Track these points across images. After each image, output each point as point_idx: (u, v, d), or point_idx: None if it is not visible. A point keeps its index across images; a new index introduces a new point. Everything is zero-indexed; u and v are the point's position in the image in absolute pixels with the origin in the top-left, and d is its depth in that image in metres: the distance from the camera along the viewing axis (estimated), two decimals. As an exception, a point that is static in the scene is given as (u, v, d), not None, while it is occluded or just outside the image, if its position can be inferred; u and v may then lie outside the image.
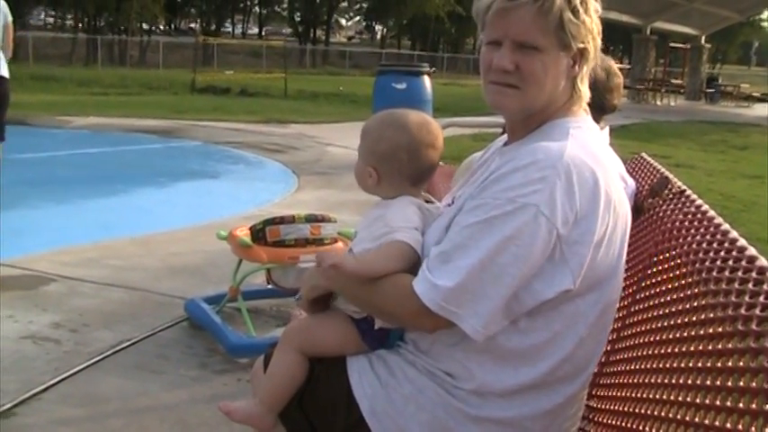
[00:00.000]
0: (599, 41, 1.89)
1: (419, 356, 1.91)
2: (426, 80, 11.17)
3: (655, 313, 2.13)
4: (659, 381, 1.83)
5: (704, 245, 2.02)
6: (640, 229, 2.67)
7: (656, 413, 1.76)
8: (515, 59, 1.82)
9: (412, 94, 10.55)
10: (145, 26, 51.83)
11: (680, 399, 1.67)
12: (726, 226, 2.05)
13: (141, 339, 4.29)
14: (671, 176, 2.85)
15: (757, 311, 1.55)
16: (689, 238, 2.15)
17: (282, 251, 4.27)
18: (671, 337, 1.91)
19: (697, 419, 1.56)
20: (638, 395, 1.92)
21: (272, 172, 10.88)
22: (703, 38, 37.16)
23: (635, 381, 2.02)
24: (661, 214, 2.55)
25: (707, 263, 1.92)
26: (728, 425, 1.45)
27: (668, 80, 35.90)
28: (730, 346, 1.57)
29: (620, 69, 3.27)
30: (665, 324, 1.99)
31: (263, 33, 68.52)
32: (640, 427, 1.80)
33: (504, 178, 1.76)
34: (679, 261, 2.14)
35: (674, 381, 1.74)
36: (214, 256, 5.67)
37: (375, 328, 1.97)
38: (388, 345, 1.98)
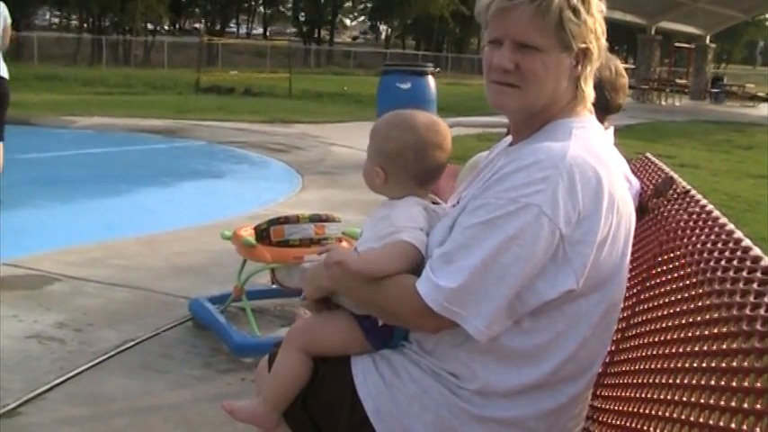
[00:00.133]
0: (603, 42, 1.89)
1: (423, 356, 1.91)
2: (431, 80, 11.16)
3: (659, 313, 2.13)
4: (663, 381, 1.83)
5: (709, 245, 2.02)
6: (645, 229, 2.67)
7: (660, 413, 1.75)
8: (515, 59, 1.82)
9: (416, 94, 10.55)
10: (149, 26, 51.91)
11: (684, 399, 1.66)
12: (730, 226, 2.05)
13: (145, 339, 4.29)
14: (675, 176, 2.84)
15: (762, 311, 1.55)
16: (693, 238, 2.15)
17: (287, 251, 4.26)
18: (675, 337, 1.90)
19: (701, 419, 1.56)
20: (643, 395, 1.92)
21: (276, 172, 10.89)
22: (708, 37, 37.10)
23: (639, 381, 2.02)
24: (666, 214, 2.55)
25: (711, 263, 1.91)
26: (733, 425, 1.45)
27: (673, 80, 35.85)
28: (735, 346, 1.57)
29: (625, 69, 3.26)
30: (670, 324, 1.99)
31: (268, 33, 68.55)
32: (644, 428, 1.80)
33: (507, 178, 1.76)
34: (683, 261, 2.14)
35: (678, 381, 1.74)
36: (218, 255, 5.67)
37: (379, 328, 1.97)
38: (392, 345, 1.99)
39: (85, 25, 49.57)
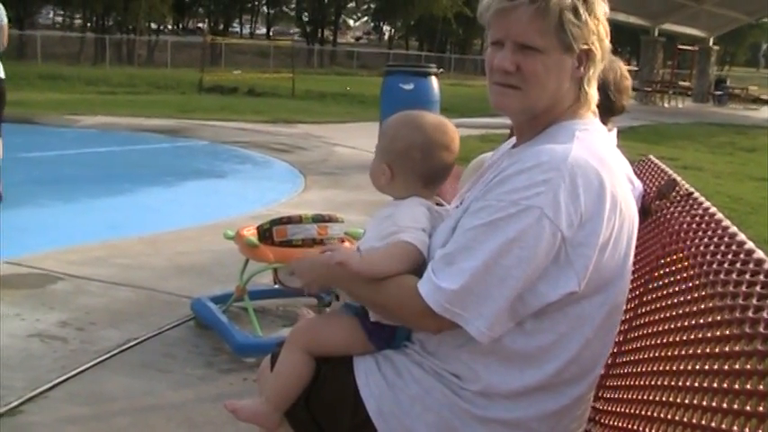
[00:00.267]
0: (607, 43, 1.88)
1: (426, 357, 1.91)
2: (434, 81, 11.14)
3: (662, 315, 2.13)
4: (665, 383, 1.83)
5: (711, 247, 2.02)
6: (647, 232, 2.67)
7: (662, 415, 1.75)
8: (516, 60, 1.82)
9: (419, 95, 10.53)
10: (153, 26, 51.98)
11: (687, 401, 1.66)
12: (733, 228, 2.05)
13: (148, 338, 4.30)
14: (678, 178, 2.84)
15: (764, 314, 1.55)
16: (696, 241, 2.15)
17: (289, 251, 4.26)
18: (678, 339, 1.90)
19: (704, 422, 1.56)
20: (645, 397, 1.92)
21: (279, 172, 10.89)
22: (712, 40, 37.07)
23: (641, 383, 2.02)
24: (668, 216, 2.54)
25: (714, 265, 1.91)
26: (735, 428, 1.45)
27: (676, 82, 35.78)
28: (737, 348, 1.57)
29: (628, 71, 3.26)
30: (672, 326, 1.99)
31: (271, 33, 68.56)
32: (646, 430, 1.80)
33: (508, 180, 1.76)
34: (686, 263, 2.14)
35: (680, 383, 1.74)
36: (221, 255, 5.67)
37: (382, 329, 1.97)
38: (394, 345, 1.99)
39: (89, 24, 49.65)
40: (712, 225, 2.16)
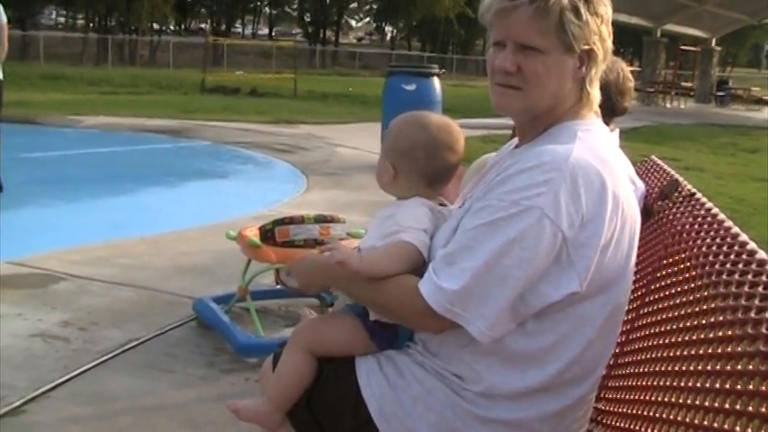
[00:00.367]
0: (609, 44, 1.88)
1: (428, 358, 1.91)
2: (436, 81, 11.15)
3: (664, 316, 2.13)
4: (668, 383, 1.82)
5: (714, 248, 2.02)
6: (650, 232, 2.67)
7: (664, 416, 1.75)
8: (517, 61, 1.82)
9: (421, 96, 10.53)
10: (155, 26, 52.02)
11: (689, 401, 1.66)
12: (735, 229, 2.05)
13: (150, 338, 4.30)
14: (681, 179, 2.84)
15: (767, 315, 1.55)
16: (698, 241, 2.15)
17: (291, 251, 4.26)
18: (680, 339, 1.90)
19: (706, 422, 1.56)
20: (647, 398, 1.92)
21: (281, 172, 10.89)
22: (714, 40, 37.02)
23: (644, 383, 2.02)
24: (671, 217, 2.55)
25: (716, 266, 1.91)
26: (738, 428, 1.45)
27: (678, 83, 35.76)
28: (740, 349, 1.56)
29: (631, 72, 3.26)
30: (675, 327, 1.99)
31: (273, 34, 68.62)
32: (649, 430, 1.80)
33: (510, 180, 1.76)
34: (688, 264, 2.14)
35: (683, 383, 1.74)
36: (223, 255, 5.68)
37: (384, 329, 1.97)
38: (396, 345, 1.99)
39: (91, 25, 49.69)
40: (714, 226, 2.16)
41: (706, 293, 1.89)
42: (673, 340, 1.96)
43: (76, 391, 3.65)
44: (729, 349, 1.61)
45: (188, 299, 4.80)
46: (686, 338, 1.86)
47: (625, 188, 1.84)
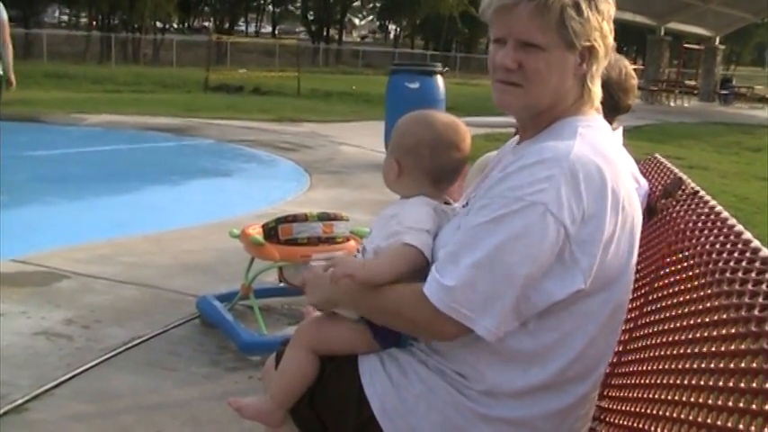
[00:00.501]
0: (611, 41, 1.87)
1: (431, 356, 1.91)
2: (439, 80, 11.14)
3: (667, 314, 2.13)
4: (671, 381, 1.82)
5: (717, 246, 2.02)
6: (653, 230, 2.66)
7: (667, 414, 1.75)
8: (518, 58, 1.81)
9: (425, 94, 10.53)
10: (158, 24, 52.08)
11: (692, 400, 1.66)
12: (739, 227, 2.04)
13: (153, 336, 4.30)
14: (684, 177, 2.84)
15: (770, 313, 1.55)
16: (702, 239, 2.15)
17: (295, 249, 4.27)
18: (683, 338, 1.90)
19: (709, 420, 1.56)
20: (650, 396, 1.92)
21: (284, 170, 10.89)
22: (718, 39, 36.98)
23: (647, 381, 2.02)
24: (674, 215, 2.54)
25: (720, 264, 1.91)
26: (741, 426, 1.45)
27: (682, 81, 35.75)
28: (743, 347, 1.56)
29: (634, 70, 3.26)
30: (678, 325, 1.99)
31: (277, 32, 68.66)
32: (651, 428, 1.80)
33: (511, 177, 1.76)
34: (692, 262, 2.14)
35: (686, 382, 1.73)
36: (226, 253, 5.68)
37: (386, 329, 1.97)
38: (400, 344, 1.98)
39: (95, 23, 49.77)
40: (718, 224, 2.16)
41: (709, 291, 1.89)
42: (676, 338, 1.95)
43: (80, 389, 3.66)
44: (733, 347, 1.60)
45: (191, 297, 4.81)
46: (689, 336, 1.86)
47: (626, 184, 1.83)
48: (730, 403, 1.51)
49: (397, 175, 2.08)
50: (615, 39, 1.89)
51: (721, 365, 1.61)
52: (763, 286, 1.66)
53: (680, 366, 1.82)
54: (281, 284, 4.60)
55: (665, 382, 1.87)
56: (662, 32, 34.15)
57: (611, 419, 2.11)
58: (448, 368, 1.88)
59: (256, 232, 4.40)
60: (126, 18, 47.76)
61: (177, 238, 6.49)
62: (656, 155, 3.51)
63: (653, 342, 2.14)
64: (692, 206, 2.47)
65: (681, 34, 36.25)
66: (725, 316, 1.71)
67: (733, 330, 1.64)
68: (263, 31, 72.37)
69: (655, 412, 1.83)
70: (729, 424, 1.49)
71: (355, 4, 70.10)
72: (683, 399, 1.70)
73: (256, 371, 3.80)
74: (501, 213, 1.73)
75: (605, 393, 2.26)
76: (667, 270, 2.34)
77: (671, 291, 2.21)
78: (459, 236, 1.80)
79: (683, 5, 31.83)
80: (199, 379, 3.86)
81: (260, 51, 45.21)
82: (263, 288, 4.78)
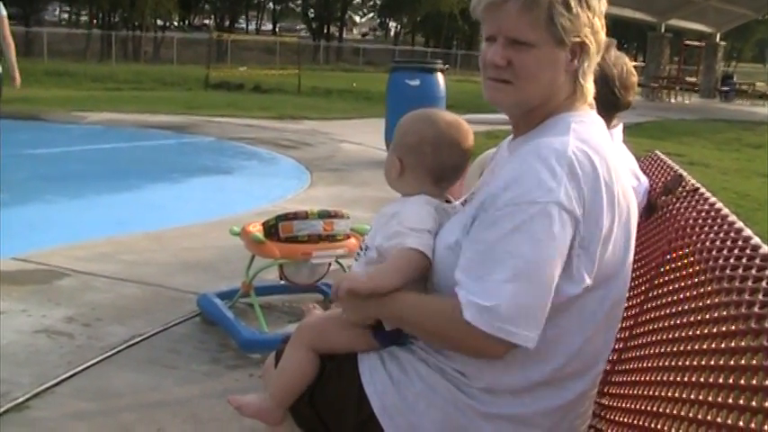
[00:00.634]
0: (603, 36, 1.87)
1: (431, 354, 1.91)
2: (440, 77, 11.14)
3: (667, 311, 2.13)
4: (671, 379, 1.82)
5: (718, 243, 2.02)
6: (654, 227, 2.66)
7: (668, 411, 1.75)
8: (508, 55, 1.81)
9: (425, 91, 10.54)
10: (159, 22, 52.08)
11: (692, 397, 1.66)
12: (740, 224, 2.04)
13: (154, 334, 4.30)
14: (685, 174, 2.84)
15: (771, 310, 1.55)
16: (702, 236, 2.15)
17: (295, 247, 4.27)
18: (683, 335, 1.90)
19: (709, 417, 1.56)
20: (651, 393, 1.91)
21: (285, 168, 10.89)
22: (718, 35, 36.98)
23: (647, 379, 2.02)
24: (674, 212, 2.54)
25: (720, 261, 1.91)
26: (741, 423, 1.45)
27: (683, 78, 35.73)
28: (743, 344, 1.56)
29: (635, 67, 3.26)
30: (678, 322, 1.98)
31: (277, 30, 68.61)
32: (652, 425, 1.80)
33: (515, 183, 1.74)
34: (692, 259, 2.14)
35: (686, 379, 1.73)
36: (227, 251, 5.68)
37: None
38: (400, 342, 1.98)
39: (95, 21, 49.76)
40: (718, 220, 2.15)
41: (710, 288, 1.89)
42: (676, 335, 1.95)
43: (80, 387, 3.66)
44: (733, 344, 1.60)
45: (192, 295, 4.80)
46: (690, 333, 1.86)
47: (621, 180, 1.82)
48: (730, 400, 1.51)
49: (398, 172, 2.07)
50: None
51: (721, 362, 1.61)
52: (764, 283, 1.66)
53: (680, 363, 1.82)
54: (282, 282, 4.60)
55: (665, 379, 1.87)
56: (662, 29, 34.13)
57: (612, 416, 2.11)
58: (448, 366, 1.88)
59: (257, 230, 4.40)
60: (126, 16, 47.78)
61: (178, 236, 6.49)
62: (657, 152, 3.51)
63: (653, 339, 2.14)
64: (693, 203, 2.46)
65: (681, 31, 36.24)
66: (725, 313, 1.71)
67: (733, 327, 1.64)
68: (263, 28, 72.31)
69: (655, 409, 1.83)
70: (729, 421, 1.49)
71: (356, 1, 70.15)
72: (684, 396, 1.70)
73: (257, 369, 3.80)
74: (520, 221, 1.70)
75: (606, 391, 2.25)
76: (667, 267, 2.34)
77: (671, 288, 2.21)
78: (478, 252, 1.75)
79: (683, 2, 31.83)
80: (199, 377, 3.86)
81: (260, 49, 45.19)
82: (264, 286, 4.78)
